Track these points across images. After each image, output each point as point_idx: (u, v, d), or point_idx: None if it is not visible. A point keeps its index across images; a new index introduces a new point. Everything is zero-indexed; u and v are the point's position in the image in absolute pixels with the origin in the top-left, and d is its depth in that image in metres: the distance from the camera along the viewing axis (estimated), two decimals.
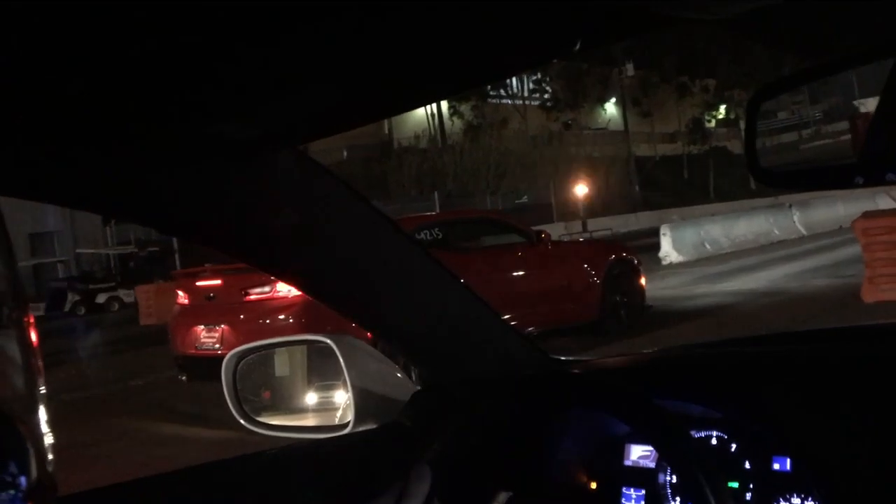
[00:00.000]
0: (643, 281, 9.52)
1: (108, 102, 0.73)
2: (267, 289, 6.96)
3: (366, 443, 1.32)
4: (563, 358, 1.41)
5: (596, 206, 31.74)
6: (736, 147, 43.16)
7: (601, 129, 43.77)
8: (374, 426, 1.33)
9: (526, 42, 0.70)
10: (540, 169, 32.74)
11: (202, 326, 7.32)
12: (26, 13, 0.53)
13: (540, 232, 9.20)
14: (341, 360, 1.33)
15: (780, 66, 35.95)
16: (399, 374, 1.39)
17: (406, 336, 1.27)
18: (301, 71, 0.72)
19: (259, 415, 1.47)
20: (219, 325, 7.20)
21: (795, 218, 20.26)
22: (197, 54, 0.65)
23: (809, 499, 1.07)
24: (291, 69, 0.71)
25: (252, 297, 7.07)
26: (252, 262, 1.17)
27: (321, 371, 1.48)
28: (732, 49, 37.08)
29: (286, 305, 6.92)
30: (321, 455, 1.33)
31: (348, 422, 1.32)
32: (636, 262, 9.53)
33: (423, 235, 7.97)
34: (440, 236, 8.13)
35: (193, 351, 7.39)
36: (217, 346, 7.13)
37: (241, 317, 7.09)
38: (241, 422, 1.45)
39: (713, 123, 45.46)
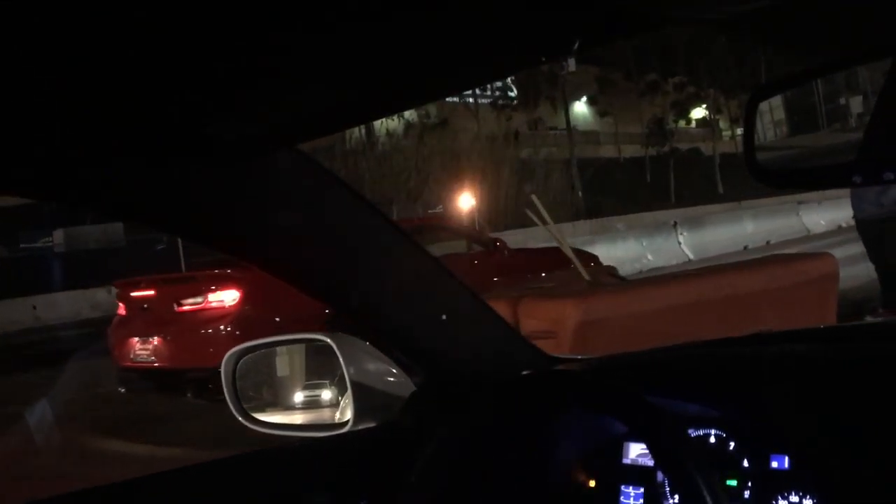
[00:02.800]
0: None
1: (107, 102, 0.73)
2: (199, 300, 6.74)
3: (365, 441, 1.32)
4: (561, 356, 1.41)
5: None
6: (710, 148, 40.37)
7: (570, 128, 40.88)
8: (373, 425, 1.33)
9: (525, 42, 0.70)
10: (467, 174, 27.42)
11: (137, 338, 6.97)
12: (26, 13, 0.53)
13: (496, 240, 8.90)
14: (341, 358, 1.33)
15: (742, 65, 34.89)
16: (398, 373, 1.40)
17: (405, 335, 1.27)
18: (301, 71, 0.72)
19: (260, 412, 1.48)
20: (152, 336, 6.87)
21: (682, 239, 15.98)
22: (197, 54, 0.65)
23: (808, 497, 1.08)
24: (291, 69, 0.71)
25: (185, 308, 6.79)
26: (252, 261, 1.17)
27: (317, 370, 1.49)
28: (696, 46, 34.71)
29: (220, 316, 6.67)
30: (320, 453, 1.33)
31: (347, 420, 1.32)
32: None
33: None
34: None
35: (129, 363, 7.08)
36: (152, 358, 6.86)
37: (174, 328, 6.78)
38: (241, 419, 1.45)
39: (691, 123, 42.98)
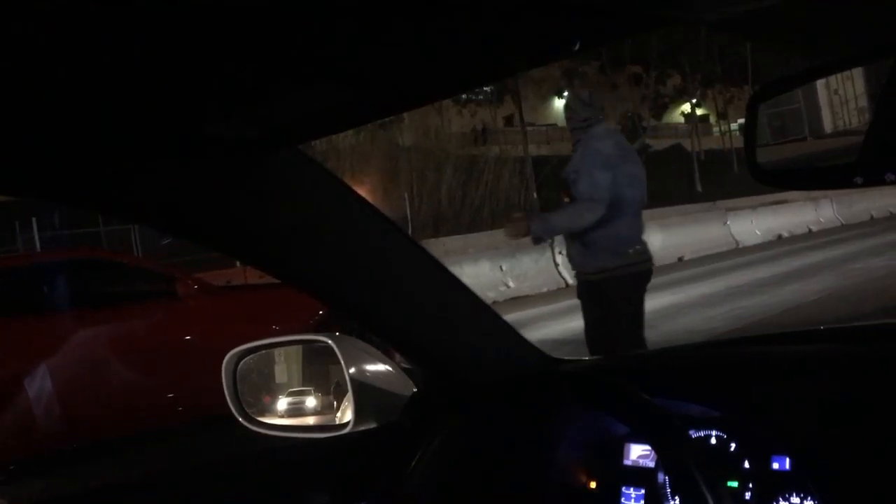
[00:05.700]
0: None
1: (107, 102, 0.73)
2: None
3: (365, 442, 1.32)
4: (562, 358, 1.41)
5: (482, 217, 24.68)
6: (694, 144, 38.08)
7: (549, 125, 38.88)
8: (373, 426, 1.33)
9: (525, 42, 0.71)
10: (404, 175, 24.95)
11: None
12: (26, 13, 0.53)
13: (183, 277, 6.08)
14: (342, 359, 1.33)
15: (727, 56, 34.24)
16: (399, 374, 1.39)
17: (405, 336, 1.27)
18: (301, 71, 0.72)
19: (260, 414, 1.48)
20: None
21: (560, 259, 11.99)
22: (197, 53, 0.65)
23: (809, 498, 1.08)
24: (291, 69, 0.71)
25: None
26: (251, 262, 1.17)
27: (313, 373, 1.49)
28: (675, 38, 33.37)
29: None
30: (320, 454, 1.33)
31: (348, 422, 1.32)
32: None
33: None
34: (15, 290, 5.34)
35: None
36: None
37: None
38: (241, 421, 1.45)
39: (664, 119, 41.64)
